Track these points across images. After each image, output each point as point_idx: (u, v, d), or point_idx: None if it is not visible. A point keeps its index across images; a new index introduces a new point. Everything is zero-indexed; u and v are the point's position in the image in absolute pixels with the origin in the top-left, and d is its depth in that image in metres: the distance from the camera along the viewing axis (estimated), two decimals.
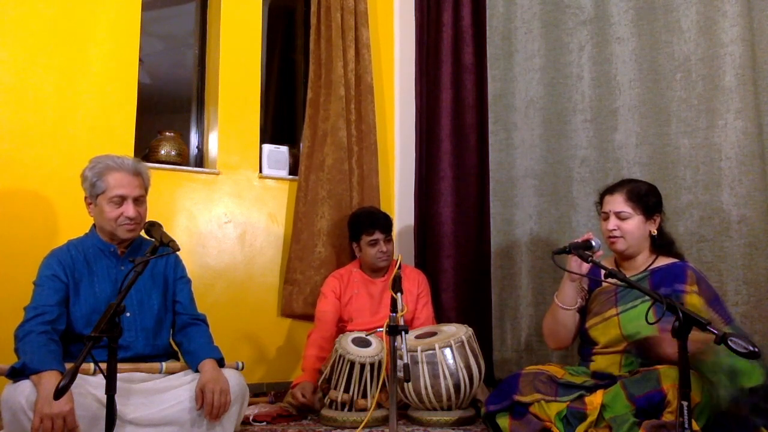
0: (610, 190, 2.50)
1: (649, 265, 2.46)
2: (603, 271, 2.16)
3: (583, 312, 2.57)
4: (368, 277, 3.37)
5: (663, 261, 2.46)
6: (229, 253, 3.57)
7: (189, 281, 2.51)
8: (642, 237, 2.45)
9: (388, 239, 3.31)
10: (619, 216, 2.42)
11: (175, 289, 2.45)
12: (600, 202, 2.55)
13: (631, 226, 2.42)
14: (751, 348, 1.61)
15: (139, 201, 2.32)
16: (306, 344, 3.21)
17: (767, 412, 2.10)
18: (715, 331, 1.66)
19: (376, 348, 2.87)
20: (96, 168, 2.30)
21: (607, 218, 2.47)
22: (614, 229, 2.42)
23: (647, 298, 2.32)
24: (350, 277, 3.37)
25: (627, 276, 2.39)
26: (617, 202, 2.44)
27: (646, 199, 2.45)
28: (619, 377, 2.29)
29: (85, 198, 2.33)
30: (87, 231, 2.40)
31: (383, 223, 3.30)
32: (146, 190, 2.38)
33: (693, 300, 2.30)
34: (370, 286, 3.36)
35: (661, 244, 2.48)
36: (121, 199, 2.27)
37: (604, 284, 2.51)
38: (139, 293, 2.34)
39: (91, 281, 2.29)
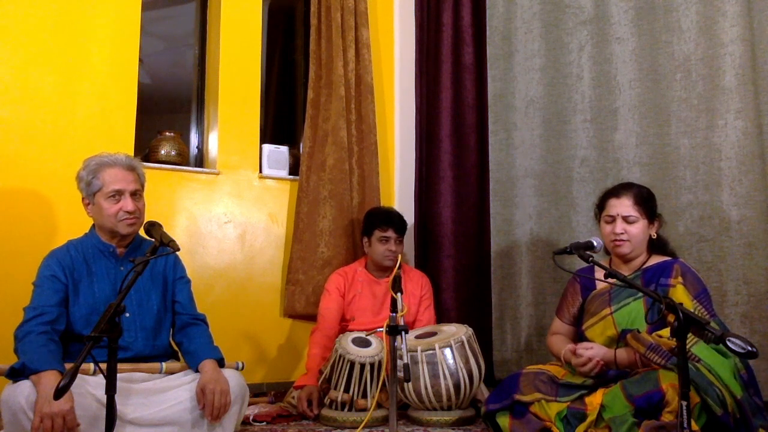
0: (615, 193, 2.50)
1: (643, 265, 2.48)
2: (602, 271, 2.17)
3: (579, 316, 2.60)
4: (372, 276, 3.37)
5: (656, 260, 2.48)
6: (229, 253, 3.57)
7: (188, 281, 2.51)
8: (644, 240, 2.48)
9: (400, 240, 3.32)
10: (626, 220, 2.44)
11: (175, 289, 2.45)
12: (601, 205, 2.55)
13: (638, 229, 2.44)
14: (750, 348, 1.62)
15: (137, 195, 2.32)
16: (309, 343, 3.22)
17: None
18: (714, 332, 1.67)
19: (376, 348, 2.88)
20: (90, 167, 2.30)
21: (611, 221, 2.47)
22: (622, 233, 2.43)
23: (639, 295, 2.36)
24: (354, 275, 3.37)
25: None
26: (625, 206, 2.45)
27: (651, 203, 2.49)
28: (609, 371, 2.32)
29: (83, 199, 2.33)
30: (87, 231, 2.40)
31: (398, 223, 3.32)
32: (142, 185, 2.37)
33: (678, 291, 2.32)
34: (374, 286, 3.36)
35: (657, 245, 2.51)
36: (119, 194, 2.27)
37: (599, 286, 2.52)
38: (138, 293, 2.34)
39: (91, 281, 2.29)
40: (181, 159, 3.60)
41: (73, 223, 2.55)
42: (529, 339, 3.33)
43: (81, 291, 2.27)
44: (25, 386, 1.99)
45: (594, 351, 2.34)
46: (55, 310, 2.19)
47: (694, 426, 1.97)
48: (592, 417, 2.18)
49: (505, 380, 2.46)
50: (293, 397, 2.98)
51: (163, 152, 3.54)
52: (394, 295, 2.12)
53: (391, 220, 3.31)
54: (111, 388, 1.69)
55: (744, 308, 2.70)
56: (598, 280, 2.49)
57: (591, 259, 2.21)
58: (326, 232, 3.66)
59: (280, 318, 3.66)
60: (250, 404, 2.84)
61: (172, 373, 2.30)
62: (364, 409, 2.74)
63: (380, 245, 3.30)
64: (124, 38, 3.34)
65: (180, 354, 2.45)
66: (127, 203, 2.28)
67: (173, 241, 2.11)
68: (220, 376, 2.23)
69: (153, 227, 2.22)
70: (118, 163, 2.31)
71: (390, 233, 3.28)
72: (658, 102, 3.02)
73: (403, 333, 2.02)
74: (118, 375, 1.76)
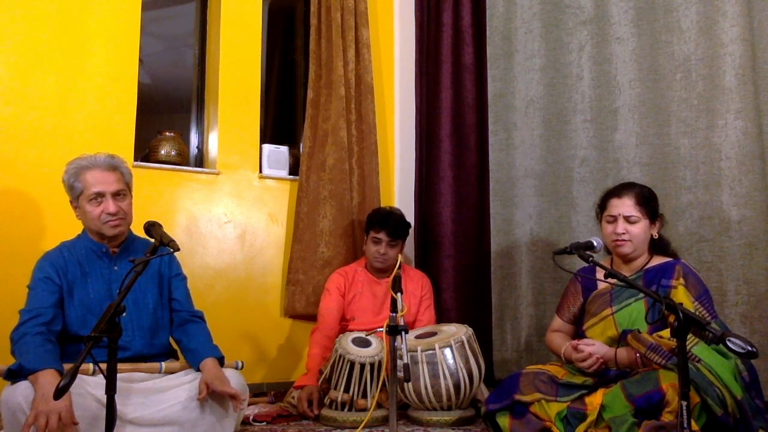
0: (617, 193, 2.50)
1: (644, 265, 2.48)
2: (603, 272, 2.18)
3: (579, 316, 2.61)
4: (373, 276, 3.37)
5: (657, 260, 2.48)
6: (229, 253, 3.57)
7: (185, 278, 2.51)
8: (645, 240, 2.48)
9: (393, 244, 3.28)
10: (628, 220, 2.44)
11: (171, 286, 2.45)
12: (602, 205, 2.55)
13: (639, 229, 2.44)
14: (750, 348, 1.62)
15: (120, 195, 2.29)
16: (309, 342, 3.21)
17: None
18: (714, 332, 1.67)
19: (376, 348, 2.87)
20: (71, 170, 2.29)
21: (612, 221, 2.47)
22: (623, 233, 2.43)
23: (640, 296, 2.36)
24: (355, 275, 3.37)
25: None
26: (626, 206, 2.45)
27: (653, 203, 2.49)
28: (609, 371, 2.33)
29: (70, 202, 2.33)
30: (80, 232, 2.40)
31: (393, 227, 3.26)
32: (127, 184, 2.34)
33: (679, 293, 2.32)
34: (374, 286, 3.35)
35: (659, 245, 2.51)
36: (100, 197, 2.26)
37: (600, 286, 2.53)
38: (133, 292, 2.30)
39: (85, 282, 2.29)
40: (181, 159, 3.60)
41: (72, 224, 2.55)
42: (529, 339, 3.33)
43: (75, 292, 2.27)
44: (23, 386, 2.00)
45: (595, 347, 2.35)
46: (51, 311, 2.19)
47: (694, 426, 1.97)
48: (592, 417, 2.18)
49: (505, 380, 2.45)
50: (293, 397, 2.98)
51: (163, 152, 3.54)
52: (394, 295, 2.12)
53: (387, 223, 3.27)
54: (111, 388, 1.69)
55: (744, 308, 2.70)
56: (599, 280, 2.49)
57: (591, 259, 2.21)
58: (326, 232, 3.66)
59: (280, 318, 3.66)
60: (250, 404, 2.85)
61: (172, 373, 2.30)
62: (364, 409, 2.74)
63: (372, 246, 3.30)
64: (124, 38, 3.34)
65: (179, 352, 2.45)
66: (109, 205, 2.25)
67: (173, 241, 2.10)
68: (223, 375, 2.23)
69: (153, 227, 2.21)
70: (98, 165, 2.28)
71: (382, 236, 3.26)
72: (658, 102, 3.02)
73: (403, 333, 2.02)
74: (118, 375, 1.76)
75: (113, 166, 2.31)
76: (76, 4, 3.23)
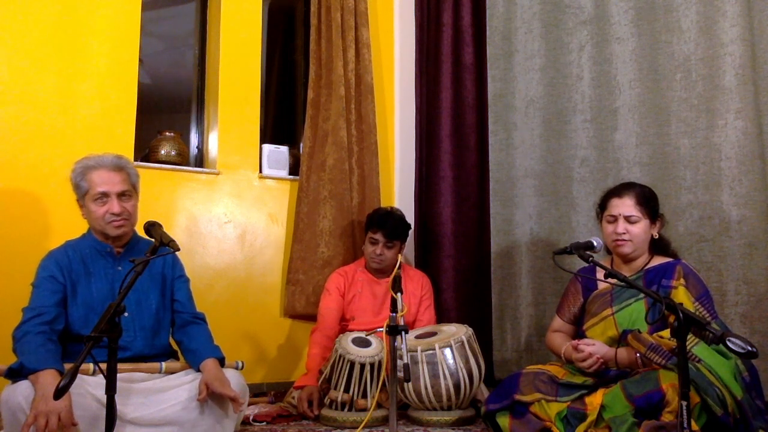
0: (617, 192, 2.50)
1: (645, 265, 2.48)
2: (602, 271, 2.18)
3: (579, 316, 2.61)
4: (372, 276, 3.37)
5: (658, 261, 2.48)
6: (229, 253, 3.57)
7: (187, 280, 2.51)
8: (646, 240, 2.48)
9: (390, 245, 3.27)
10: (628, 220, 2.44)
11: (174, 287, 2.45)
12: (603, 205, 2.55)
13: (639, 229, 2.44)
14: (750, 348, 1.62)
15: (125, 196, 2.30)
16: (309, 342, 3.21)
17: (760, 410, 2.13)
18: (714, 332, 1.67)
19: (376, 348, 2.88)
20: (78, 169, 2.29)
21: (613, 221, 2.47)
22: (624, 233, 2.43)
23: (641, 296, 2.36)
24: (355, 275, 3.37)
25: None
26: (627, 206, 2.45)
27: (653, 203, 2.49)
28: (610, 371, 2.33)
29: (77, 201, 2.33)
30: (84, 232, 2.40)
31: (390, 227, 3.24)
32: (133, 185, 2.35)
33: (680, 293, 2.32)
34: (374, 286, 3.35)
35: (659, 245, 2.51)
36: (105, 197, 2.26)
37: (600, 286, 2.53)
38: (136, 293, 2.33)
39: (88, 282, 2.29)
40: (181, 159, 3.60)
41: (72, 223, 2.55)
42: (529, 339, 3.33)
43: (79, 291, 2.27)
44: (24, 386, 2.00)
45: (596, 347, 2.35)
46: (54, 310, 2.19)
47: (694, 426, 1.97)
48: (592, 417, 2.18)
49: (505, 380, 2.46)
50: (293, 397, 2.98)
51: (163, 152, 3.54)
52: (394, 295, 2.12)
53: (384, 223, 3.25)
54: (111, 388, 1.69)
55: (744, 308, 2.70)
56: (599, 280, 2.50)
57: (591, 259, 2.21)
58: (326, 232, 3.66)
59: (280, 318, 3.66)
60: (250, 404, 2.85)
61: (172, 373, 2.31)
62: (364, 409, 2.74)
63: (369, 246, 3.30)
64: (124, 38, 3.34)
65: (180, 353, 2.45)
66: (113, 205, 2.26)
67: (173, 241, 2.10)
68: (223, 376, 2.23)
69: (153, 227, 2.21)
70: (104, 165, 2.29)
71: (378, 236, 3.25)
72: (658, 102, 3.02)
73: (403, 333, 2.02)
74: (118, 375, 1.76)
75: (119, 166, 2.32)
76: (76, 4, 3.23)
